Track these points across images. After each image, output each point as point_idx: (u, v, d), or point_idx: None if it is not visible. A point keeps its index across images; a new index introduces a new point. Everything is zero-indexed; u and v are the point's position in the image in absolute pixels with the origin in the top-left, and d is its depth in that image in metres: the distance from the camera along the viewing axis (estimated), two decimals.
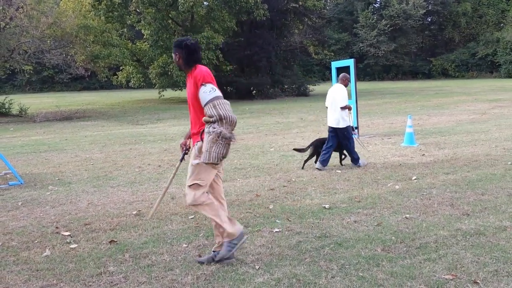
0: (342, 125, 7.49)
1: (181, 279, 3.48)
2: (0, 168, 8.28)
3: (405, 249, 3.91)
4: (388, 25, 54.21)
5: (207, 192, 3.73)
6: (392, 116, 16.04)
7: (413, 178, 6.53)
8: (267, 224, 4.70)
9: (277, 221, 4.79)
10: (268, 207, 5.35)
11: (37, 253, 4.12)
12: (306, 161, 7.73)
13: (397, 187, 6.09)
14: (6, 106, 23.74)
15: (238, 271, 3.56)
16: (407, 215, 4.83)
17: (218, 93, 3.72)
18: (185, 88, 30.91)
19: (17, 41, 22.10)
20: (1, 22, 21.42)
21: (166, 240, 4.36)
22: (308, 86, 34.15)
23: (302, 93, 33.22)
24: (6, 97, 24.50)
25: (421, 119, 14.60)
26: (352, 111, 8.27)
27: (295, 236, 4.34)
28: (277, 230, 4.50)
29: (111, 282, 3.46)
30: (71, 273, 3.63)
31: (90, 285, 3.41)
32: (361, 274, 3.43)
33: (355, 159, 7.57)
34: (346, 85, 7.70)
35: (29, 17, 21.61)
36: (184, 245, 4.19)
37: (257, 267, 3.63)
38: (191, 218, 5.02)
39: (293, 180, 6.76)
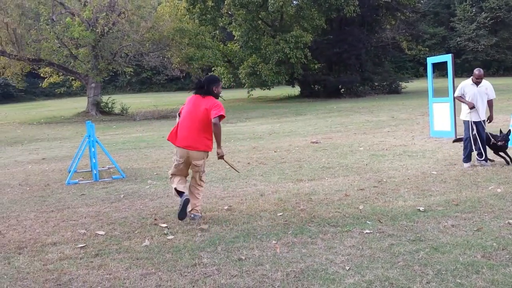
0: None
1: (271, 274, 3.53)
2: (104, 163, 8.99)
3: (507, 256, 3.62)
4: (489, 18, 50.31)
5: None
6: (494, 114, 14.84)
7: None
8: (357, 225, 4.60)
9: (367, 222, 4.67)
10: (358, 207, 5.23)
11: (137, 242, 4.41)
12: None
13: (499, 190, 5.64)
14: (109, 105, 25.70)
15: (328, 271, 3.53)
16: (510, 221, 4.46)
17: None
18: (272, 87, 31.46)
19: (119, 45, 23.80)
20: (105, 27, 23.19)
21: (256, 235, 4.44)
22: (400, 83, 32.86)
23: (394, 91, 32.02)
24: (109, 97, 26.52)
25: None
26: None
27: (387, 238, 4.20)
28: (367, 231, 4.39)
29: (205, 273, 3.60)
30: (168, 263, 3.84)
31: (185, 275, 3.58)
32: (459, 281, 3.23)
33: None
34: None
35: (130, 22, 23.18)
36: (274, 242, 4.24)
37: (347, 268, 3.57)
38: (280, 215, 5.06)
39: (384, 180, 6.54)
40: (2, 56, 23.90)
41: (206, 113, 4.99)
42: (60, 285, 3.51)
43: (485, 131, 7.28)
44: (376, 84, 32.74)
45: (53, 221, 5.30)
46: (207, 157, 5.27)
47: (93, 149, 7.91)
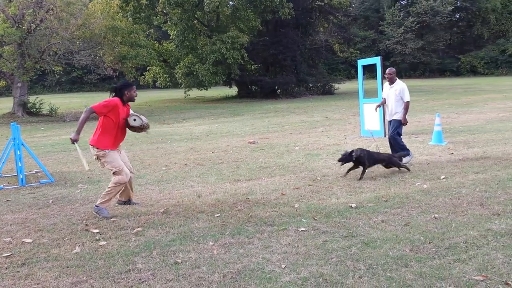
0: None
1: (208, 277, 3.51)
2: (32, 167, 8.53)
3: (434, 249, 3.84)
4: (415, 22, 53.27)
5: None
6: (420, 114, 15.77)
7: (442, 177, 6.41)
8: (293, 223, 4.69)
9: (303, 220, 4.78)
10: (294, 206, 5.34)
11: (67, 250, 4.22)
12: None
13: (425, 186, 5.99)
14: (37, 106, 24.39)
15: (264, 270, 3.57)
16: (436, 215, 4.74)
17: None
18: (209, 88, 31.34)
19: (47, 43, 22.66)
20: (32, 24, 21.99)
21: (192, 238, 4.40)
22: (333, 84, 33.90)
23: (327, 92, 33.00)
24: (37, 97, 25.17)
25: (449, 117, 14.32)
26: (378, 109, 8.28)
27: (321, 235, 4.32)
28: (303, 229, 4.49)
29: (140, 279, 3.52)
30: (100, 270, 3.70)
31: (119, 282, 3.47)
32: (389, 275, 3.39)
33: None
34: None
35: (59, 19, 22.13)
36: (211, 243, 4.22)
37: (283, 266, 3.63)
38: (217, 216, 5.05)
39: (319, 179, 6.72)
40: None
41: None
42: None
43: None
44: (310, 85, 33.57)
45: None
46: (102, 156, 5.31)
47: (18, 152, 7.47)
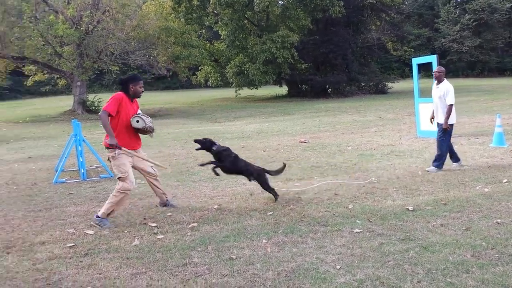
0: None
1: (262, 274, 3.53)
2: (92, 162, 8.91)
3: (497, 255, 3.67)
4: (472, 20, 50.87)
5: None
6: (479, 115, 15.09)
7: (504, 181, 6.11)
8: (347, 224, 4.63)
9: (357, 221, 4.71)
10: (347, 206, 5.26)
11: (127, 242, 4.38)
12: None
13: (486, 190, 5.73)
14: (96, 104, 25.46)
15: (319, 270, 3.54)
16: (498, 220, 4.53)
17: None
18: (260, 87, 31.50)
19: (104, 43, 23.58)
20: (89, 25, 22.97)
21: (246, 235, 4.44)
22: (386, 83, 33.12)
23: (380, 91, 32.29)
24: (95, 96, 26.27)
25: (510, 118, 13.61)
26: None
27: (377, 237, 4.23)
28: (357, 230, 4.42)
29: (196, 272, 3.60)
30: (158, 263, 3.82)
31: (176, 275, 3.56)
32: (450, 280, 3.27)
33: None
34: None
35: (115, 20, 22.99)
36: (264, 241, 4.25)
37: (338, 267, 3.60)
38: (270, 215, 5.07)
39: (373, 180, 6.59)
40: None
41: None
42: (50, 284, 3.47)
43: None
44: (362, 84, 32.98)
45: (41, 220, 5.24)
46: (112, 157, 5.08)
47: (79, 148, 7.84)
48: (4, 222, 5.25)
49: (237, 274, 3.55)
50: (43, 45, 23.48)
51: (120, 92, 5.20)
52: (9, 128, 19.68)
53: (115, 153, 5.01)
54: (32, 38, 22.80)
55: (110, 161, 5.17)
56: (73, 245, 4.32)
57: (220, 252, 4.02)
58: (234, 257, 3.88)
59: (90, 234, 4.66)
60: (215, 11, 31.70)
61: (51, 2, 24.04)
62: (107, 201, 5.01)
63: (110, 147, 5.00)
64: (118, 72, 31.10)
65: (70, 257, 4.03)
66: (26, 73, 28.01)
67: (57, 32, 21.78)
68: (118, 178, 5.01)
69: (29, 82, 29.05)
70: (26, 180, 7.84)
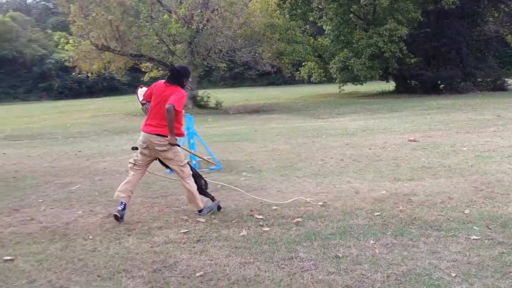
0: None
1: (370, 275, 3.44)
2: (202, 154, 9.36)
3: None
4: None
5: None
6: None
7: None
8: (463, 230, 4.32)
9: (474, 227, 4.38)
10: (463, 211, 4.91)
11: (235, 232, 4.54)
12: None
13: None
14: (205, 99, 26.70)
15: (432, 276, 3.36)
16: None
17: None
18: (365, 82, 30.70)
19: (213, 41, 24.57)
20: (199, 24, 24.07)
21: (352, 234, 4.36)
22: (506, 79, 30.25)
23: (499, 87, 29.56)
24: (205, 91, 27.55)
25: None
26: None
27: (497, 246, 3.90)
28: (475, 237, 4.11)
29: (302, 267, 3.62)
30: (265, 254, 3.91)
31: (283, 268, 3.62)
32: None
33: None
34: None
35: (223, 19, 23.81)
36: (372, 241, 4.14)
37: (453, 274, 3.38)
38: (377, 215, 4.92)
39: (493, 183, 6.07)
40: (107, 52, 25.77)
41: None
42: (166, 267, 3.72)
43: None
44: (479, 80, 30.45)
45: (158, 206, 5.65)
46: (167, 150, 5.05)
47: (191, 141, 8.27)
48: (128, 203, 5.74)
49: (344, 272, 3.50)
50: (158, 43, 25.15)
51: (180, 88, 5.09)
52: (128, 121, 21.44)
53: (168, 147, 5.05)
54: (148, 37, 24.53)
55: (166, 152, 5.05)
56: (187, 231, 4.59)
57: (326, 249, 3.99)
58: (340, 255, 3.83)
59: (201, 222, 4.91)
60: (319, 6, 31.40)
61: (165, 2, 25.61)
62: (188, 196, 5.17)
63: (171, 144, 4.99)
64: (225, 68, 32.32)
65: (184, 242, 4.29)
66: (142, 69, 30.21)
67: (170, 31, 23.17)
68: (182, 166, 5.12)
69: (146, 78, 31.31)
70: None
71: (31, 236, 4.67)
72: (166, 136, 4.96)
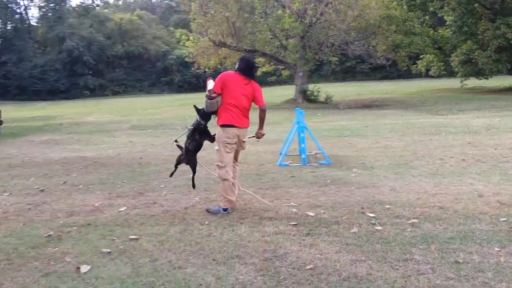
0: None
1: (494, 284, 3.18)
2: (311, 148, 9.36)
3: None
4: None
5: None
6: None
7: None
8: None
9: None
10: None
11: (346, 228, 4.47)
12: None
13: None
14: (315, 93, 26.63)
15: None
16: None
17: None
18: (490, 77, 28.16)
19: (325, 35, 24.35)
20: (313, 18, 23.98)
21: (474, 239, 4.05)
22: None
23: None
24: (315, 86, 27.46)
25: None
26: None
27: None
28: None
29: (418, 270, 3.45)
30: (377, 253, 3.79)
31: (397, 269, 3.48)
32: None
33: None
34: None
35: (337, 12, 23.44)
36: (496, 249, 3.80)
37: None
38: (503, 221, 4.50)
39: None
40: (223, 47, 26.89)
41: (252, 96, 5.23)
42: (276, 256, 3.80)
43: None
44: None
45: (268, 197, 5.78)
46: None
47: (302, 135, 8.32)
48: (238, 196, 5.96)
49: (465, 279, 3.27)
50: (271, 38, 25.62)
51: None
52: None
53: None
54: (262, 32, 25.09)
55: (243, 143, 5.34)
56: (296, 224, 4.63)
57: (444, 253, 3.76)
58: (460, 261, 3.59)
59: (311, 215, 4.92)
60: None
61: None
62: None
63: (260, 136, 5.49)
64: (337, 62, 31.85)
65: (293, 234, 4.34)
66: (256, 64, 30.99)
67: (283, 26, 23.47)
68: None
69: (258, 73, 32.15)
70: (255, 161, 8.72)
71: (153, 218, 5.08)
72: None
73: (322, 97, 26.44)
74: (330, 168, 7.61)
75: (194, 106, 5.38)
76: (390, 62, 27.83)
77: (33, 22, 70.12)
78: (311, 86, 27.32)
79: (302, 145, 8.23)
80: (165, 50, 61.02)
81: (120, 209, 5.52)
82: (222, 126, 5.11)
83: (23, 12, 68.87)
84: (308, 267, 3.57)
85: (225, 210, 5.16)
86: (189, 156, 5.44)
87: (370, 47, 25.93)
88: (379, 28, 24.17)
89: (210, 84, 5.16)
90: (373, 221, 4.64)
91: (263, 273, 3.50)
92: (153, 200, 5.92)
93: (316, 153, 8.97)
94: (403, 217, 4.75)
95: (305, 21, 23.77)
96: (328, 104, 25.11)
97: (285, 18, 23.75)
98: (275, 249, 3.97)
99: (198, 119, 5.23)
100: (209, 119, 5.29)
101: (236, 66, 5.28)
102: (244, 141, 5.32)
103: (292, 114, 9.24)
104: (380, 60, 26.09)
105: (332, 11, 23.44)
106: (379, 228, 4.43)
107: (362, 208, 5.14)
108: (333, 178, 6.81)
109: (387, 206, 5.14)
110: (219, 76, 5.16)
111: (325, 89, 27.59)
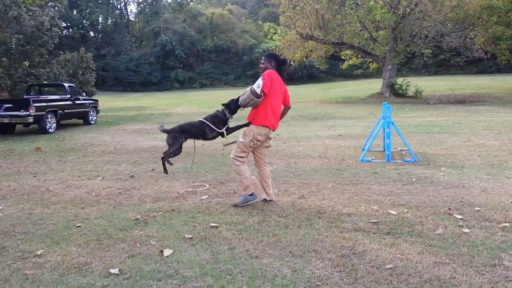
0: None
1: None
2: (396, 145, 9.03)
3: None
4: None
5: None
6: None
7: None
8: None
9: None
10: None
11: (430, 229, 4.26)
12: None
13: None
14: (403, 87, 25.58)
15: None
16: None
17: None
18: None
19: (419, 26, 23.22)
20: (406, 9, 22.95)
21: None
22: None
23: None
24: (404, 79, 26.36)
25: None
26: None
27: None
28: None
29: (507, 276, 3.20)
30: (463, 257, 3.58)
31: (483, 274, 3.26)
32: None
33: None
34: None
35: (433, 2, 22.23)
36: None
37: None
38: None
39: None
40: (310, 40, 26.72)
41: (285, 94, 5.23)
42: (354, 253, 3.73)
43: None
44: None
45: (348, 193, 5.67)
46: None
47: (387, 130, 8.04)
48: (316, 190, 5.93)
49: None
50: (360, 30, 25.00)
51: None
52: (323, 108, 21.98)
53: None
54: (351, 24, 24.57)
55: (269, 139, 5.31)
56: (376, 222, 4.50)
57: None
58: None
59: (393, 214, 4.75)
60: None
61: None
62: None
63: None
64: (429, 55, 30.29)
65: (373, 232, 4.22)
66: (342, 57, 30.45)
67: (374, 17, 22.78)
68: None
69: (344, 66, 31.52)
70: (336, 155, 8.60)
71: (233, 208, 5.21)
72: None
73: (411, 91, 25.33)
74: (416, 166, 7.28)
75: (223, 104, 5.27)
76: (488, 55, 25.88)
77: (131, 17, 74.77)
78: (399, 80, 26.28)
79: (387, 141, 7.95)
80: (252, 43, 61.96)
81: (202, 197, 5.74)
82: (259, 125, 5.03)
83: (123, 8, 73.61)
84: (387, 266, 3.46)
85: (251, 195, 5.20)
86: (184, 136, 5.23)
87: (467, 39, 24.33)
88: (478, 19, 22.58)
89: (260, 81, 4.93)
90: (460, 223, 4.38)
91: (340, 269, 3.45)
92: (233, 190, 6.07)
93: (402, 150, 8.64)
94: (494, 220, 4.42)
95: (398, 12, 22.88)
96: (417, 98, 23.99)
97: (377, 9, 23.04)
98: (353, 246, 3.90)
99: (227, 113, 5.17)
100: (235, 113, 5.27)
101: (272, 64, 5.10)
102: (270, 138, 5.31)
103: (377, 108, 8.99)
104: (478, 53, 24.38)
105: (428, 1, 22.28)
106: (467, 230, 4.17)
107: (449, 209, 4.87)
108: (419, 176, 6.52)
109: (477, 208, 4.82)
110: (268, 74, 4.94)
111: (414, 83, 26.37)
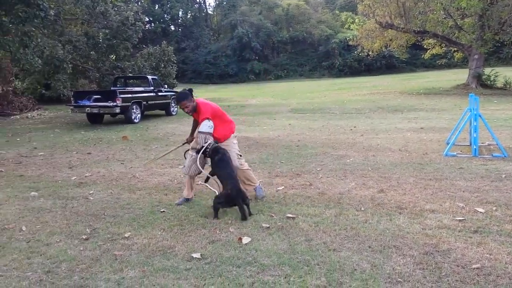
0: None
1: None
2: (484, 139, 8.49)
3: None
4: None
5: None
6: None
7: None
8: None
9: None
10: None
11: None
12: None
13: None
14: (491, 78, 23.92)
15: None
16: None
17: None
18: None
19: (509, 13, 21.53)
20: None
21: None
22: None
23: None
24: (492, 70, 24.61)
25: None
26: None
27: None
28: None
29: None
30: None
31: None
32: None
33: None
34: None
35: None
36: None
37: None
38: None
39: None
40: (390, 29, 25.75)
41: None
42: (438, 251, 3.57)
43: None
44: None
45: (431, 189, 5.43)
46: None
47: (474, 123, 7.57)
48: (397, 184, 5.73)
49: None
50: (444, 18, 23.65)
51: None
52: (403, 99, 21.12)
53: None
54: (435, 12, 23.31)
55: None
56: (462, 219, 4.27)
57: None
58: None
59: (480, 212, 4.48)
60: None
61: None
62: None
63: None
64: None
65: (459, 230, 4.01)
66: (424, 46, 29.05)
67: (460, 4, 21.43)
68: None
69: (426, 55, 30.05)
70: (418, 149, 8.25)
71: (309, 200, 5.19)
72: None
73: (499, 83, 23.59)
74: (506, 162, 6.80)
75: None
76: None
77: (209, 11, 76.61)
78: (487, 70, 24.56)
79: (474, 135, 7.49)
80: (328, 34, 60.91)
81: (278, 188, 5.77)
82: (230, 137, 5.45)
83: (202, 1, 75.59)
84: (474, 266, 3.28)
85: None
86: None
87: None
88: None
89: (207, 122, 5.09)
90: None
91: (422, 266, 3.32)
92: (309, 182, 6.05)
93: (490, 144, 8.11)
94: None
95: None
96: (507, 90, 22.30)
97: None
98: (437, 243, 3.73)
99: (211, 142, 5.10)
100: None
101: (191, 99, 5.24)
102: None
103: (463, 100, 8.48)
104: None
105: None
106: None
107: None
108: (509, 172, 6.08)
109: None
110: (202, 106, 5.27)
111: (504, 74, 24.53)
